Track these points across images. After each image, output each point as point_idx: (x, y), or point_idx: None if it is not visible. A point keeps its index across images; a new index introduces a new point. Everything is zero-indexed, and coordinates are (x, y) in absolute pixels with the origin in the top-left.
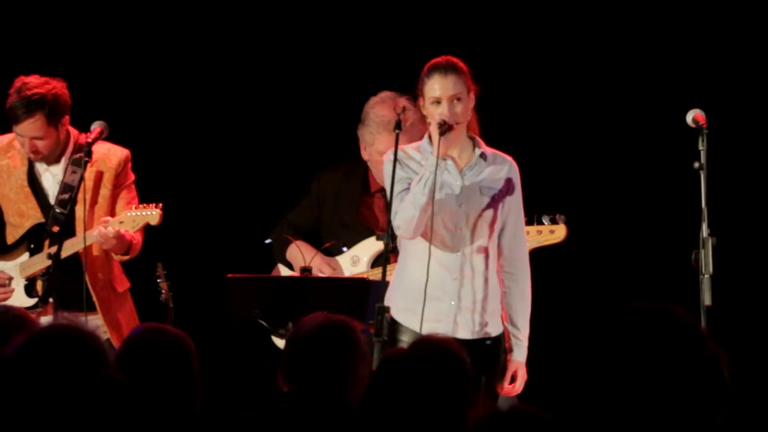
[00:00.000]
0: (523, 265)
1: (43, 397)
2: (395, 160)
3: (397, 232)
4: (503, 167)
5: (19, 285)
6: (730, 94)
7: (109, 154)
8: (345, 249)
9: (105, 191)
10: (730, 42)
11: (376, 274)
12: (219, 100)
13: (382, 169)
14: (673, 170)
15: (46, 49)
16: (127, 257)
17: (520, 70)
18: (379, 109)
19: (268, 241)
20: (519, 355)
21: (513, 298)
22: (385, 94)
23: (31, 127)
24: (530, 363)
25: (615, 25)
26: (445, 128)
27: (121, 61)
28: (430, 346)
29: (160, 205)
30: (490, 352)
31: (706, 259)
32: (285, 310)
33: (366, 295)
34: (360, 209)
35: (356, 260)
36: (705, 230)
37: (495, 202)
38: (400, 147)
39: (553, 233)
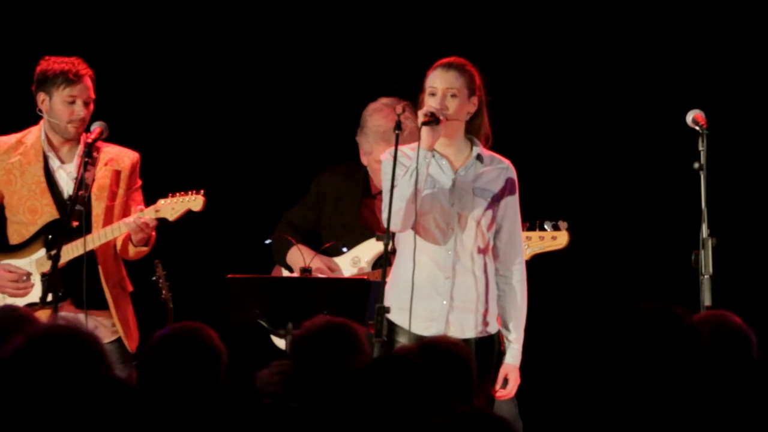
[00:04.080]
0: (518, 268)
1: (41, 397)
2: (395, 159)
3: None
4: (500, 170)
5: (36, 281)
6: (730, 94)
7: (122, 155)
8: (345, 250)
9: (120, 191)
10: (730, 42)
11: (376, 276)
12: (219, 101)
13: (380, 175)
14: (673, 171)
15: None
16: (146, 249)
17: (520, 71)
18: (377, 118)
19: (268, 241)
20: (511, 358)
21: (507, 301)
22: (383, 101)
23: (85, 87)
24: (532, 365)
25: (614, 26)
26: (430, 119)
27: (121, 61)
28: (437, 348)
29: (202, 191)
30: (482, 352)
31: (706, 260)
32: (285, 311)
33: (366, 295)
34: (361, 210)
35: (357, 261)
36: (705, 231)
37: (489, 203)
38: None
39: (555, 239)
